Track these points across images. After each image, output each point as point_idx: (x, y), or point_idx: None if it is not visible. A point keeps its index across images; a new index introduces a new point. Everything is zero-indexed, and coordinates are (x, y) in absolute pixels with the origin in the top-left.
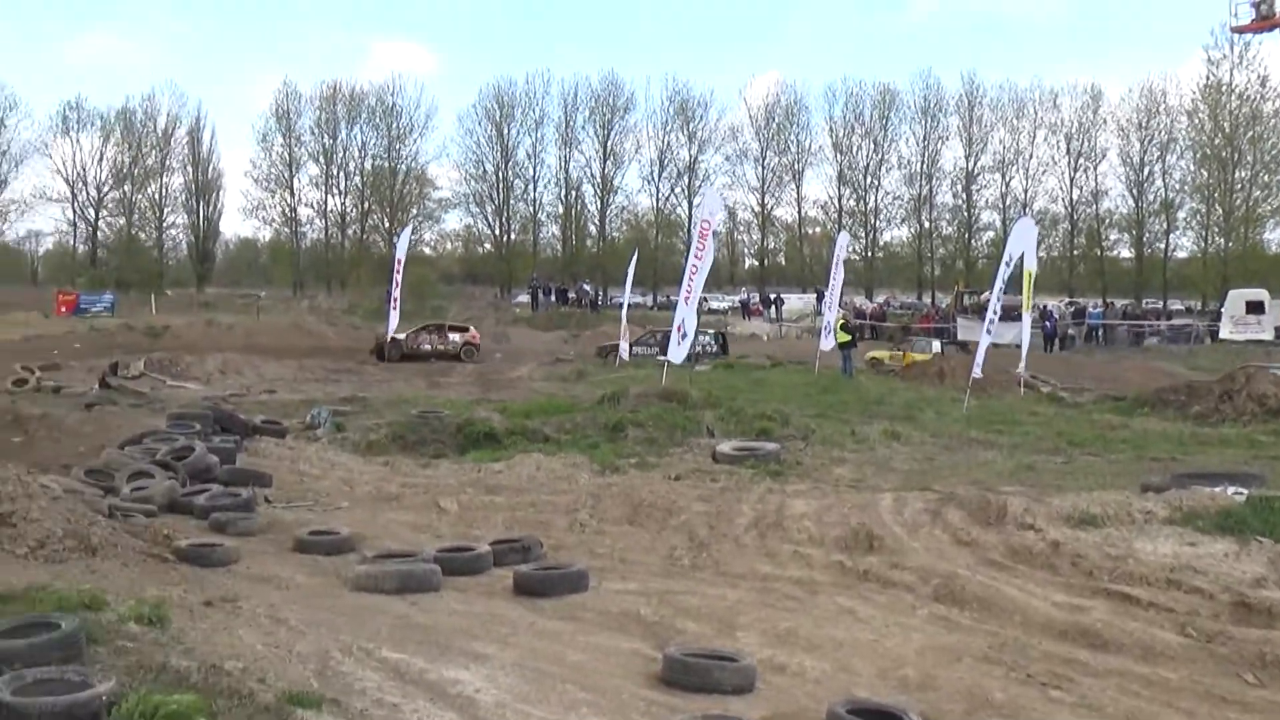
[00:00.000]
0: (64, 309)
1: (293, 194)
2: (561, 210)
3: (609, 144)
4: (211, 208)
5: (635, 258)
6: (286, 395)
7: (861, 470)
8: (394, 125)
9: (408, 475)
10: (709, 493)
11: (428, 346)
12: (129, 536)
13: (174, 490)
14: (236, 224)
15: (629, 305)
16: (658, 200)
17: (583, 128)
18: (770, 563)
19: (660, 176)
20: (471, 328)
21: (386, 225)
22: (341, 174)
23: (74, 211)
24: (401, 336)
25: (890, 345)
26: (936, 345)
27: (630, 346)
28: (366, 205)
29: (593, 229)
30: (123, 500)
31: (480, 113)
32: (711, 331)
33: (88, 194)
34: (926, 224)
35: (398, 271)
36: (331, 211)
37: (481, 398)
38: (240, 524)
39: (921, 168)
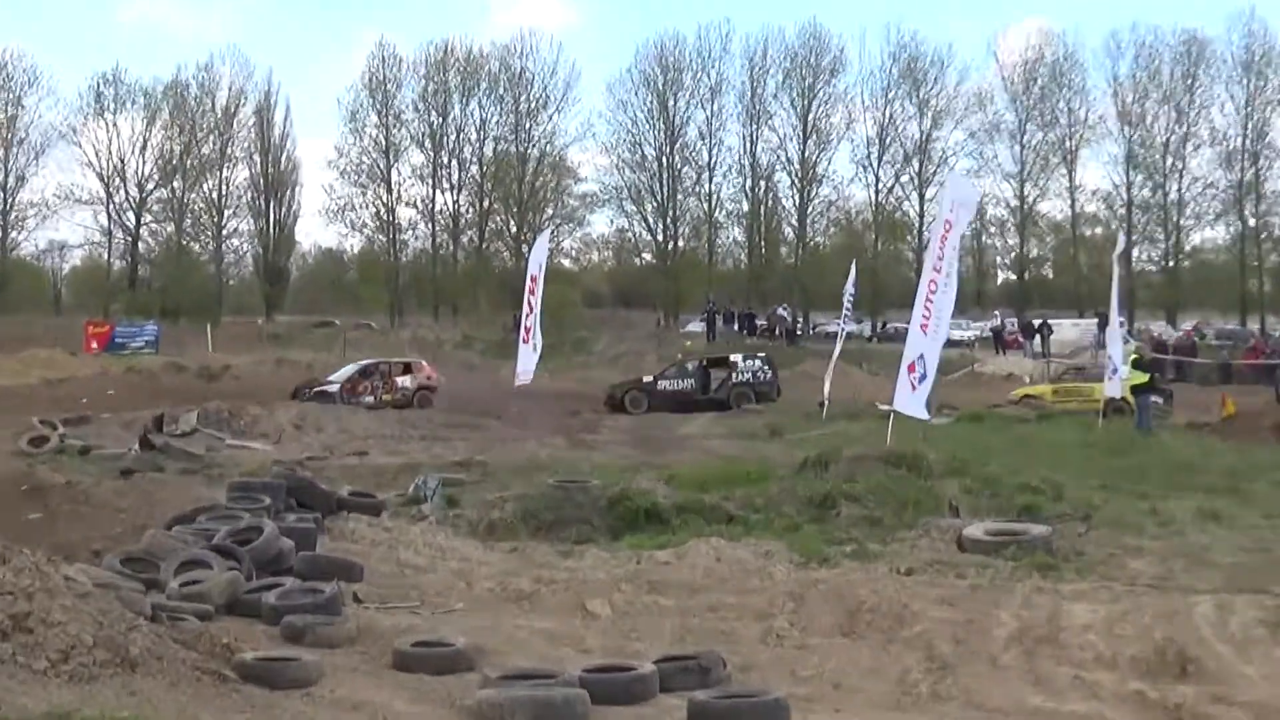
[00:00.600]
0: (95, 344)
1: (390, 190)
2: (747, 207)
3: (810, 118)
4: (285, 209)
5: (854, 272)
6: (382, 458)
7: (1167, 564)
8: (523, 98)
9: (543, 567)
10: (953, 593)
11: (369, 398)
12: (178, 647)
13: (236, 585)
14: (316, 230)
15: (843, 335)
16: (876, 193)
17: (774, 97)
18: (1041, 692)
19: (880, 161)
20: (425, 364)
21: (513, 230)
22: (454, 163)
23: (109, 216)
24: (334, 388)
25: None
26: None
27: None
28: (487, 204)
29: (789, 232)
30: (171, 598)
31: (637, 79)
32: (762, 356)
33: (126, 193)
34: (1251, 221)
35: (531, 292)
36: (441, 213)
37: (641, 462)
38: (322, 631)
39: (1243, 143)
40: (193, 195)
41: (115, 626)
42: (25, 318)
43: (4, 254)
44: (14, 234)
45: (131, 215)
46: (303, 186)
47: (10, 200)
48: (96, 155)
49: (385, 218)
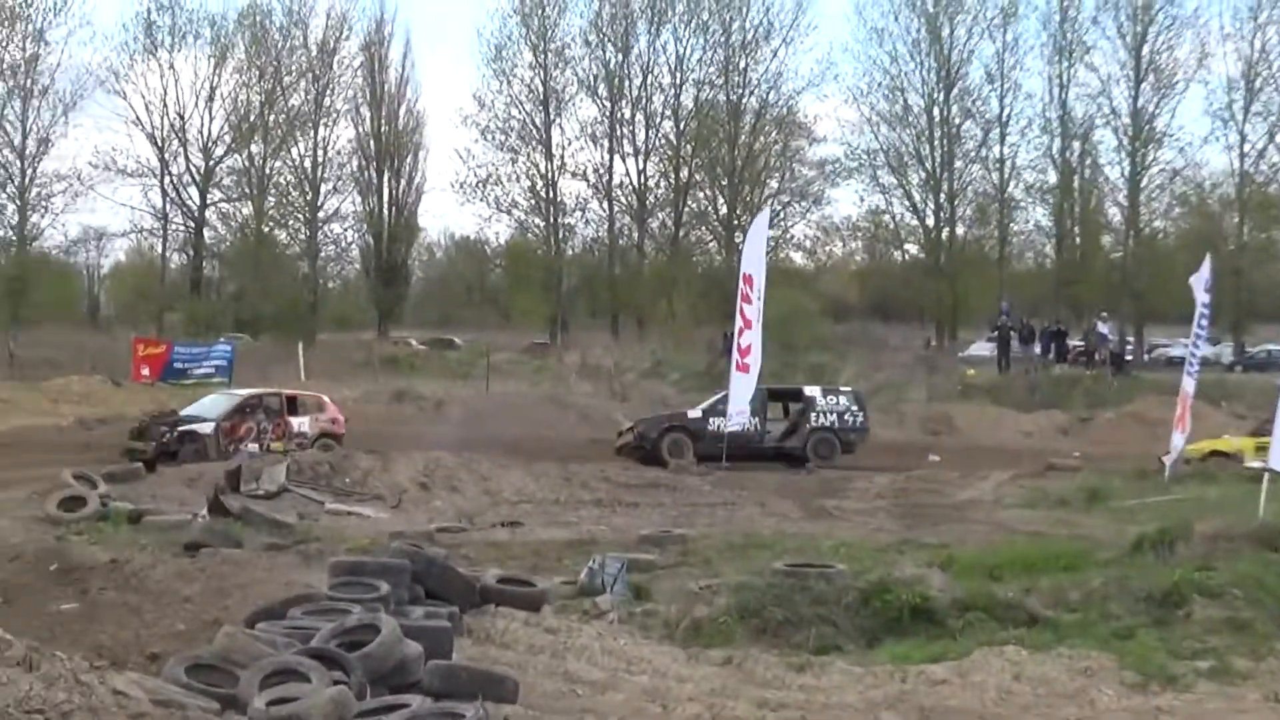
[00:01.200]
0: (147, 370)
1: (550, 156)
2: (1054, 179)
3: (1145, 51)
4: (404, 184)
5: (1209, 271)
6: (543, 531)
7: None
8: (735, 25)
9: (768, 685)
10: None
11: (254, 446)
12: None
13: (343, 705)
14: (447, 212)
15: (1197, 361)
16: (1241, 158)
17: (1094, 21)
18: None
19: (1247, 113)
20: (327, 400)
21: (722, 211)
22: (639, 117)
23: (164, 193)
24: (207, 427)
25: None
26: None
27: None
28: (686, 174)
29: (1114, 214)
30: (256, 718)
31: None
32: (848, 390)
33: (187, 161)
34: None
35: (746, 299)
36: (621, 187)
37: (904, 539)
38: None
39: None
40: (277, 164)
41: None
42: (53, 334)
43: (22, 245)
44: (35, 217)
45: (194, 192)
46: (428, 151)
47: (30, 171)
48: (147, 109)
49: (543, 194)
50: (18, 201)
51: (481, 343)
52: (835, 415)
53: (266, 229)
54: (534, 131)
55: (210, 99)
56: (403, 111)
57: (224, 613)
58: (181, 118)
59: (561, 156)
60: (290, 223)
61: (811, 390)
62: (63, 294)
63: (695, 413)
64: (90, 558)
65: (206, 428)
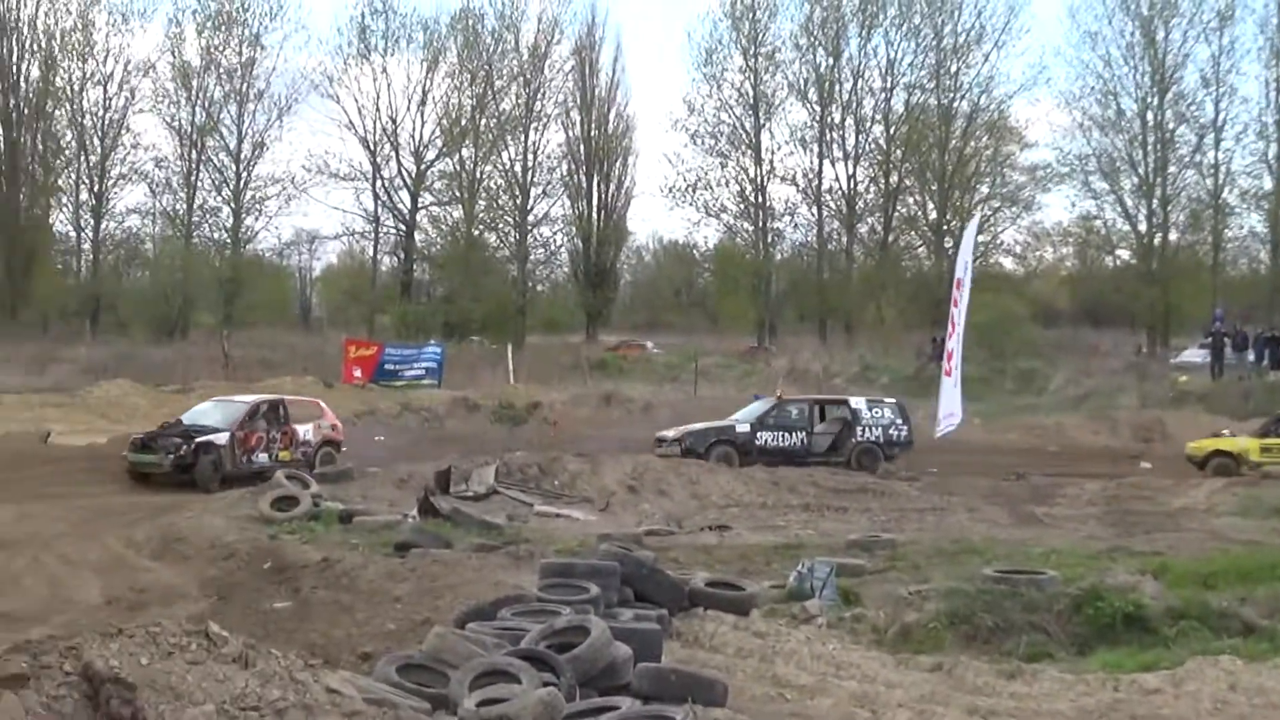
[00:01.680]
0: (358, 371)
1: (759, 161)
2: (1270, 184)
3: None
4: (613, 188)
5: None
6: (750, 535)
7: None
8: (947, 29)
9: (979, 692)
10: None
11: (263, 456)
12: None
13: (553, 706)
14: (655, 216)
15: None
16: None
17: None
18: None
19: None
20: (325, 406)
21: (932, 216)
22: (849, 121)
23: (375, 197)
24: (222, 441)
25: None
26: None
27: None
28: (896, 179)
29: None
30: None
31: (1111, 1)
32: (892, 402)
33: (399, 165)
34: None
35: (956, 304)
36: (831, 192)
37: (1115, 546)
38: None
39: None
40: (488, 168)
41: None
42: (266, 335)
43: (236, 247)
44: (249, 220)
45: (406, 195)
46: (638, 156)
47: (245, 174)
48: (360, 113)
49: (752, 199)
50: (233, 204)
51: (690, 346)
52: (880, 428)
53: (476, 232)
54: (743, 136)
55: (422, 103)
56: (613, 115)
57: (434, 613)
58: (394, 121)
59: (771, 161)
60: (500, 226)
61: (857, 402)
62: (275, 296)
63: (743, 426)
64: (303, 557)
65: (222, 438)
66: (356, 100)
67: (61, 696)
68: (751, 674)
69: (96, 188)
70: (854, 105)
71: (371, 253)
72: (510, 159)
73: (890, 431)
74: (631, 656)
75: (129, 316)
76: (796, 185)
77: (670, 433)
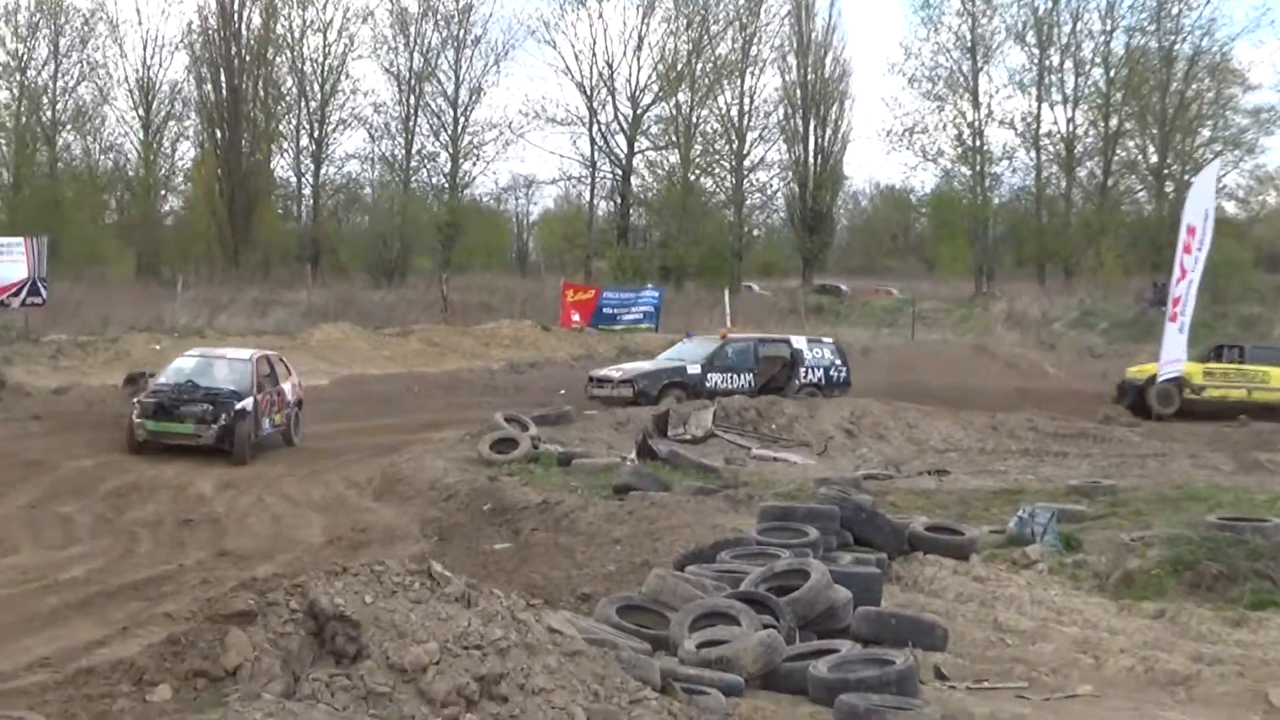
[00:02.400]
0: (576, 315)
1: (977, 105)
2: None
3: None
4: (829, 132)
5: None
6: (969, 479)
7: None
8: None
9: (1204, 639)
10: None
11: (266, 422)
12: None
13: (773, 648)
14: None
15: None
16: None
17: None
18: None
19: None
20: (288, 363)
21: (1151, 160)
22: (1068, 64)
23: (592, 142)
24: (250, 406)
25: None
26: None
27: None
28: (1116, 123)
29: None
30: (685, 663)
31: None
32: (828, 342)
33: (615, 110)
34: None
35: (1188, 249)
36: (1049, 136)
37: None
38: (892, 717)
39: None
40: (704, 112)
41: (615, 699)
42: (483, 279)
43: (454, 192)
44: (467, 165)
45: (622, 139)
46: (853, 101)
47: (463, 120)
48: (576, 58)
49: (970, 143)
50: (450, 150)
51: (909, 291)
52: (821, 369)
53: (693, 177)
54: (961, 79)
55: (638, 47)
56: (829, 60)
57: (653, 555)
58: (610, 66)
59: (989, 105)
60: (716, 170)
61: (798, 341)
62: (493, 240)
63: (694, 368)
64: (522, 499)
65: (249, 402)
66: (573, 45)
67: (288, 633)
68: (971, 619)
69: (316, 133)
70: (1073, 48)
71: (588, 197)
72: (726, 103)
73: (830, 372)
74: (851, 600)
75: (348, 260)
76: (1014, 129)
77: (613, 373)
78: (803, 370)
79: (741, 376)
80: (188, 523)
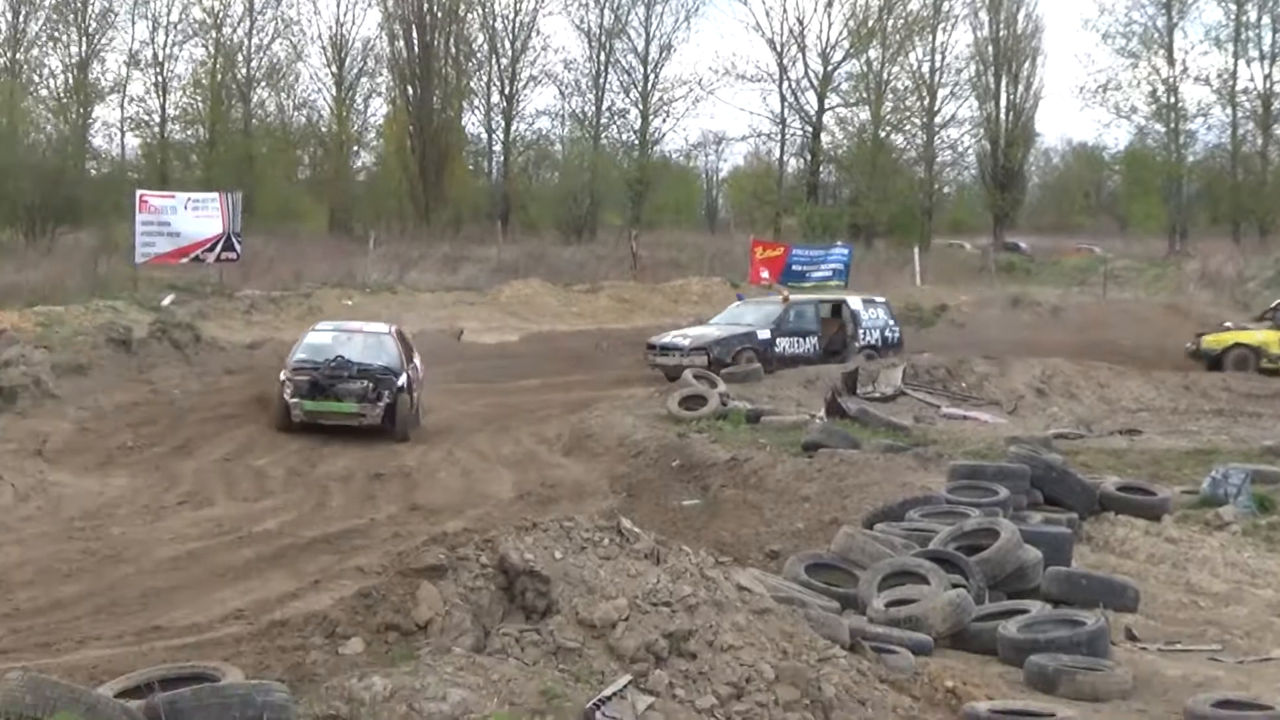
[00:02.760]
0: (765, 272)
1: (1172, 61)
2: None
3: None
4: (1020, 89)
5: None
6: (1161, 440)
7: None
8: None
9: None
10: None
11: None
12: (885, 689)
13: (962, 608)
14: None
15: None
16: None
17: None
18: None
19: None
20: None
21: None
22: (1265, 19)
23: (781, 99)
24: (404, 383)
25: None
26: None
27: None
28: None
29: None
30: (874, 621)
31: None
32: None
33: (805, 66)
34: None
35: None
36: (1246, 93)
37: None
38: (1082, 678)
39: None
40: (895, 69)
41: (803, 657)
42: (672, 236)
43: (644, 148)
44: (657, 121)
45: (812, 96)
46: (1046, 57)
47: (652, 76)
48: (767, 15)
49: (1164, 100)
50: (640, 106)
51: (1103, 249)
52: (878, 330)
53: (883, 133)
54: (1155, 35)
55: (829, 4)
56: (1021, 15)
57: (842, 512)
58: (800, 23)
59: (1184, 61)
60: (906, 127)
61: (855, 302)
62: (682, 197)
63: (764, 332)
64: (711, 455)
65: (403, 380)
66: (764, 2)
67: (478, 588)
68: (1163, 580)
69: (507, 90)
70: (1271, 4)
71: (778, 154)
72: (917, 60)
73: (885, 333)
74: (1041, 560)
75: (538, 217)
76: (1210, 86)
77: (679, 340)
78: (861, 332)
79: (806, 340)
80: (378, 477)
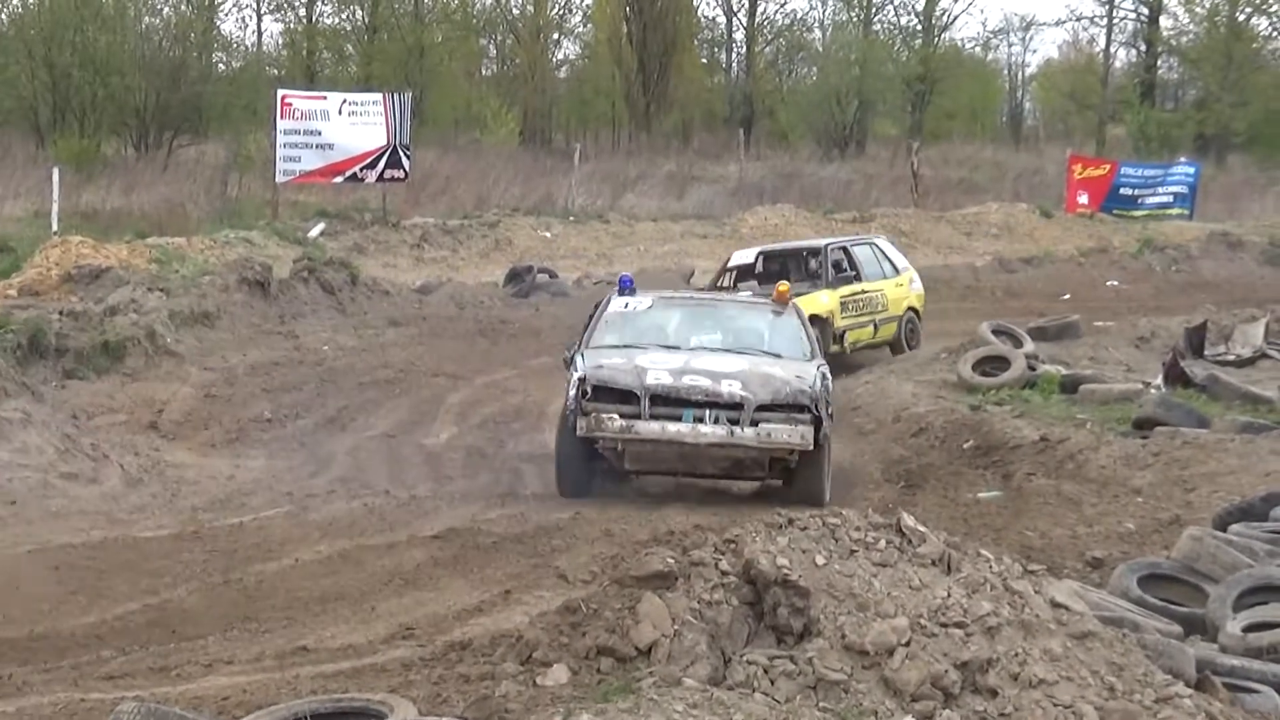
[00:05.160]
0: (1084, 197)
1: None
2: None
3: None
4: None
5: None
6: None
7: None
8: None
9: None
10: None
11: None
12: None
13: None
14: None
15: None
16: None
17: None
18: None
19: None
20: None
21: None
22: None
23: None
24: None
25: None
26: None
27: None
28: None
29: None
30: (1230, 651)
31: None
32: None
33: None
34: None
35: None
36: None
37: None
38: None
39: None
40: None
41: (1136, 696)
42: (965, 150)
43: (929, 35)
44: (945, 2)
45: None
46: None
47: None
48: None
49: None
50: None
51: None
52: None
53: (1242, 16)
54: None
55: None
56: None
57: (1185, 509)
58: None
59: None
60: (1274, 8)
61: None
62: (978, 100)
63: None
64: (1014, 434)
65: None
66: None
67: (716, 602)
68: None
69: None
70: None
71: (1103, 44)
72: None
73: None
74: None
75: (791, 126)
76: None
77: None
78: None
79: None
80: None
